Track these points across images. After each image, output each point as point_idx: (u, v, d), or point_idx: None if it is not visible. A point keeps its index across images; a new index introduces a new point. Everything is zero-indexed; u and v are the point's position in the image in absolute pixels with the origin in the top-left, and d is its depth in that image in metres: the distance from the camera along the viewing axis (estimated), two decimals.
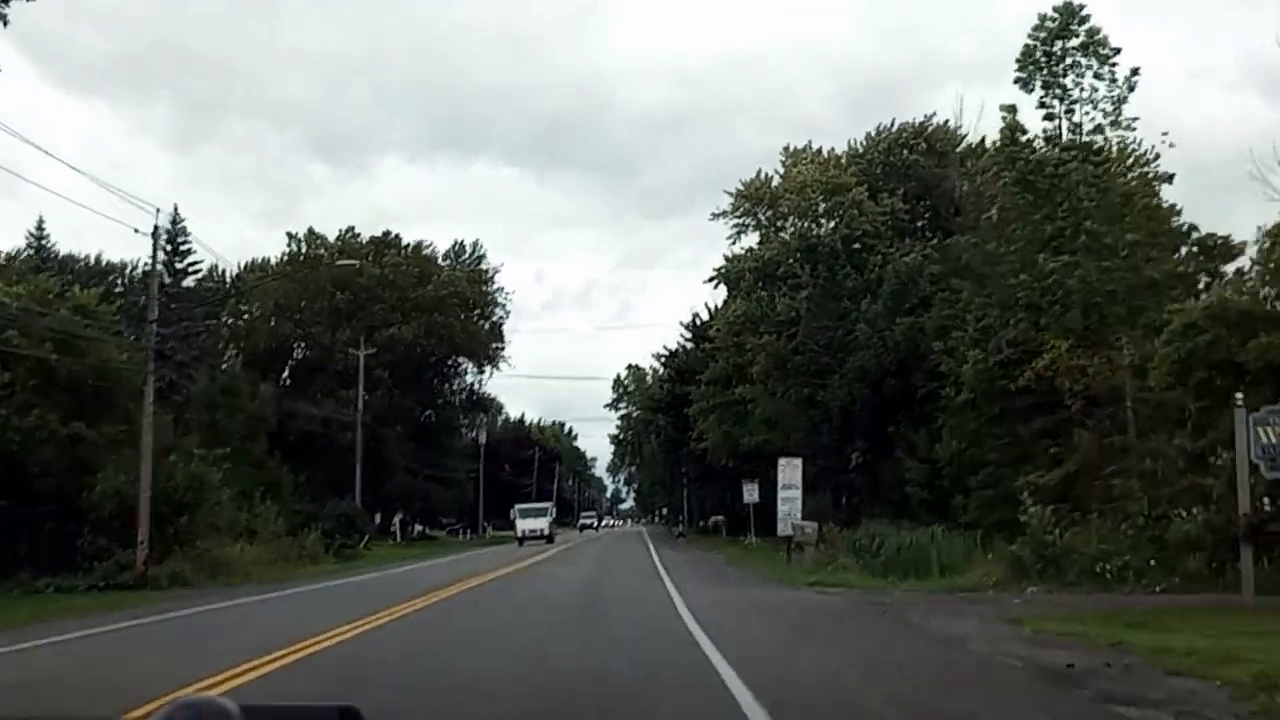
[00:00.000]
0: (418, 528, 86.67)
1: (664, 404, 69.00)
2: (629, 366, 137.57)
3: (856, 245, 44.58)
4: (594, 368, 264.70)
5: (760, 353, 46.05)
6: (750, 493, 44.72)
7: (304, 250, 67.32)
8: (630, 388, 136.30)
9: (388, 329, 63.67)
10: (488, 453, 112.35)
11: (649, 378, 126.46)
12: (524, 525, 62.61)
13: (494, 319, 75.54)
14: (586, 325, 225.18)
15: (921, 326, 36.23)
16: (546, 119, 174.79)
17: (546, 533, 61.73)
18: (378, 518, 78.20)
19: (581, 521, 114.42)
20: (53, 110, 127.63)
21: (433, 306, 66.16)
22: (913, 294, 39.00)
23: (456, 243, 78.85)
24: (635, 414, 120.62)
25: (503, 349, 77.95)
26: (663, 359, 70.30)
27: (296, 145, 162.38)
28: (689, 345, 65.95)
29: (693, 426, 60.87)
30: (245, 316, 64.49)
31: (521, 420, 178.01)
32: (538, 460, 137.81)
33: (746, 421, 50.08)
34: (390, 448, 68.96)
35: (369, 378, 63.33)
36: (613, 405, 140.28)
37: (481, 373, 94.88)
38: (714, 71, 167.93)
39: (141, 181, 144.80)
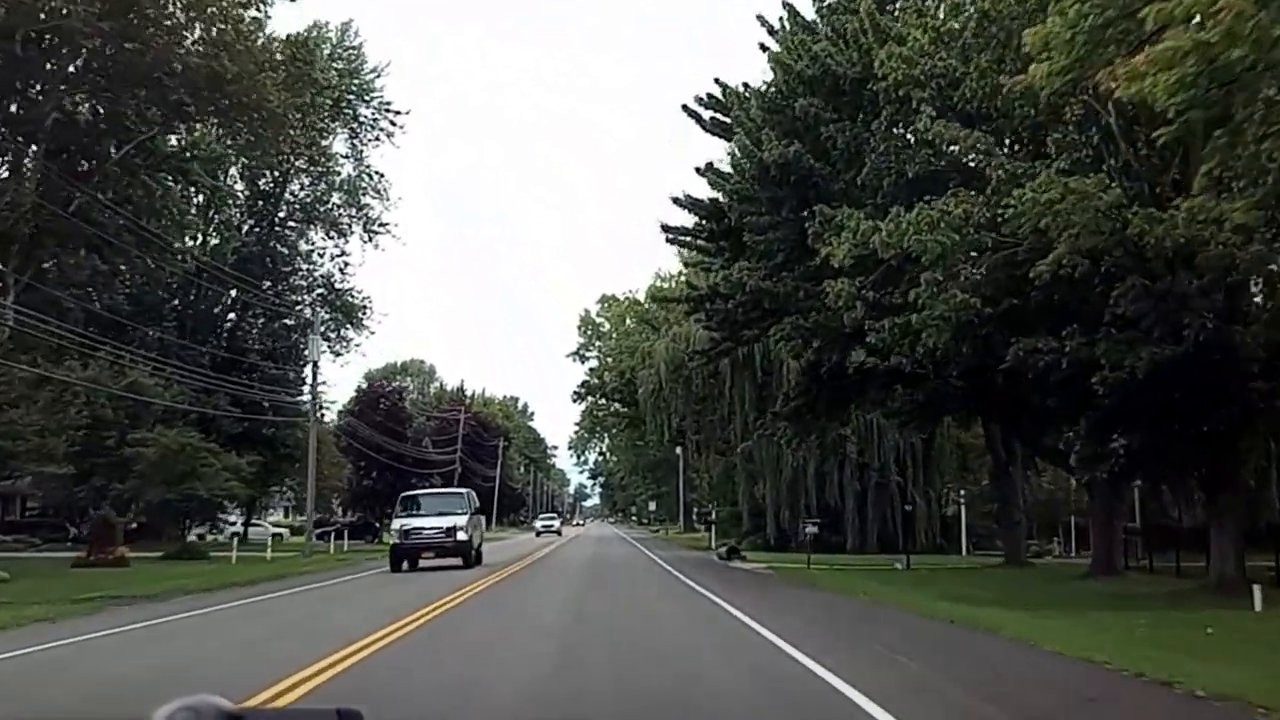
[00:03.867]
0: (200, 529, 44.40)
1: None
2: (601, 298, 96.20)
3: None
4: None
5: None
6: None
7: None
8: (604, 327, 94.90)
9: None
10: (390, 416, 70.66)
11: (625, 303, 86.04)
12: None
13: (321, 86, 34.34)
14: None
15: None
16: None
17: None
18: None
19: (401, 528, 29.18)
20: None
21: None
22: None
23: None
24: (612, 359, 79.65)
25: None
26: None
27: None
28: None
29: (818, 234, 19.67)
30: None
31: (461, 389, 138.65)
32: (468, 434, 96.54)
33: None
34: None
35: None
36: (578, 354, 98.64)
37: (335, 233, 53.81)
38: None
39: None
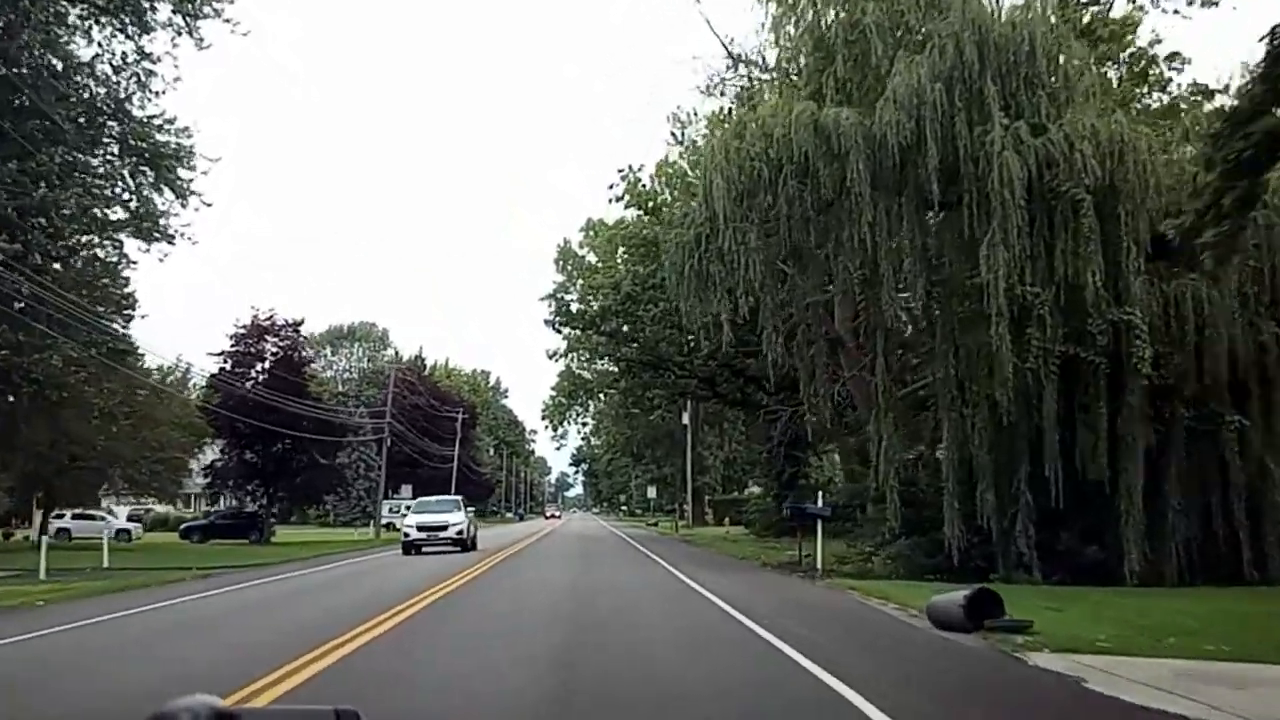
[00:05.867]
0: None
1: None
2: (586, 224, 74.66)
3: None
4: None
5: None
6: None
7: None
8: (589, 258, 73.20)
9: None
10: (284, 364, 49.23)
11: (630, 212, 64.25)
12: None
13: None
14: None
15: None
16: None
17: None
18: None
19: None
20: None
21: None
22: None
23: None
24: (607, 281, 58.62)
25: None
26: None
27: None
28: None
29: None
30: None
31: (419, 356, 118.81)
32: (419, 405, 75.71)
33: None
34: None
35: None
36: (555, 297, 75.67)
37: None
38: None
39: None
